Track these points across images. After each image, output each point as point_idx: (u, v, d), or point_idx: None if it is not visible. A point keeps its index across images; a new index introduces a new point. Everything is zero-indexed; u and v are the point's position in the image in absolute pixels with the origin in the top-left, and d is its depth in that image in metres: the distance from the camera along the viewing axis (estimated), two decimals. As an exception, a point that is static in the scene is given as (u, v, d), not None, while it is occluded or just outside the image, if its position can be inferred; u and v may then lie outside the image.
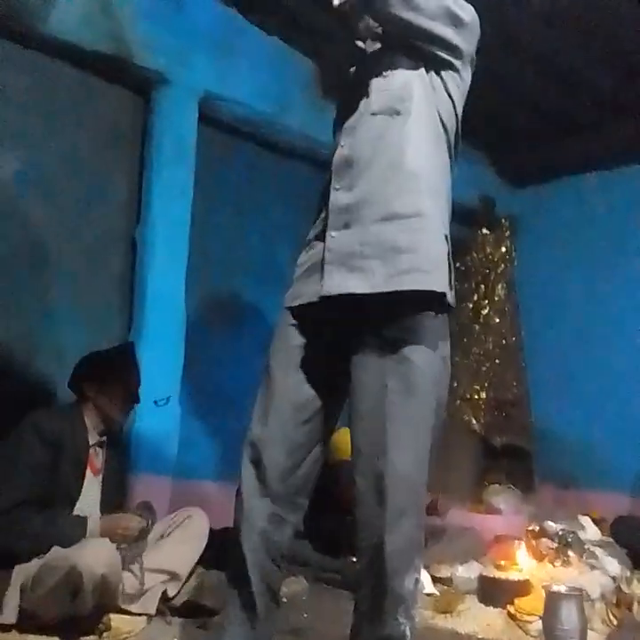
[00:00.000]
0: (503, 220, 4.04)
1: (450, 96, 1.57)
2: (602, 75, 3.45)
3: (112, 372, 2.18)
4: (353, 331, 1.48)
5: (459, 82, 1.58)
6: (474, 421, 3.64)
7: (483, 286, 3.89)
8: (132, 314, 2.87)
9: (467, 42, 1.56)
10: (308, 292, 1.52)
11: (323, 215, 1.57)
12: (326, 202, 1.57)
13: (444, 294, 1.46)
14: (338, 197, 1.53)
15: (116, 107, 2.95)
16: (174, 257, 2.90)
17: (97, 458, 2.15)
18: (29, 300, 2.63)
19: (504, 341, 3.83)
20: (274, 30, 3.24)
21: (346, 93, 1.64)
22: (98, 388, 2.14)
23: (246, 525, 1.49)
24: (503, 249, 3.98)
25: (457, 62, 1.56)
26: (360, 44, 1.70)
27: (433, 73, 1.55)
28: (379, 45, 1.66)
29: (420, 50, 1.54)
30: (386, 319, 1.45)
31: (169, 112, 2.94)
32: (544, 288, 4.23)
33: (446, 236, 1.52)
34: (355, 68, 1.68)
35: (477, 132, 3.92)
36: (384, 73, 1.55)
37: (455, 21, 1.52)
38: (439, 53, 1.54)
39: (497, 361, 3.78)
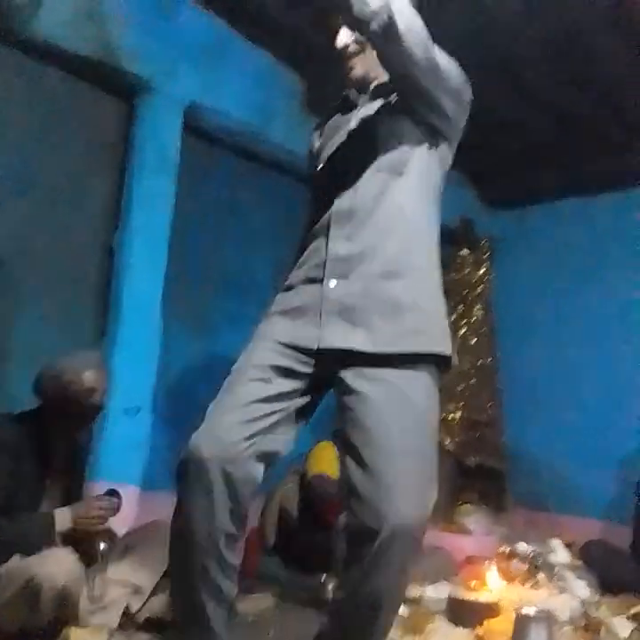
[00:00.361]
0: (483, 242, 4.08)
1: (443, 161, 1.65)
2: (583, 103, 3.51)
3: (75, 381, 2.10)
4: (343, 370, 1.49)
5: (450, 149, 1.67)
6: (448, 441, 3.64)
7: (461, 306, 3.91)
8: (107, 321, 2.83)
9: (462, 118, 1.65)
10: (301, 335, 1.50)
11: (315, 260, 1.56)
12: (316, 245, 1.57)
13: (449, 356, 1.51)
14: (337, 246, 1.53)
15: (101, 112, 2.92)
16: (152, 265, 2.87)
17: (59, 465, 2.10)
18: (2, 304, 2.59)
19: (480, 362, 3.85)
20: (261, 42, 3.25)
21: (346, 142, 1.65)
22: (59, 395, 2.08)
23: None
24: (482, 270, 4.02)
25: (451, 133, 1.64)
26: (352, 92, 1.71)
27: (431, 139, 1.61)
28: (367, 99, 1.68)
29: (421, 115, 1.58)
30: (389, 368, 1.45)
31: (153, 120, 2.93)
32: (520, 310, 4.26)
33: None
34: (358, 119, 1.67)
35: (459, 155, 3.96)
36: (390, 132, 1.59)
37: (459, 99, 1.60)
38: (439, 123, 1.60)
39: (472, 381, 3.79)
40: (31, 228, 2.68)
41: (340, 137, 1.66)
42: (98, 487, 2.54)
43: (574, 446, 3.93)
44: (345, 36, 1.62)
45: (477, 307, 3.93)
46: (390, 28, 1.39)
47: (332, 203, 1.58)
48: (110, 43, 2.72)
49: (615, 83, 3.30)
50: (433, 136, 1.61)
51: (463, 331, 3.87)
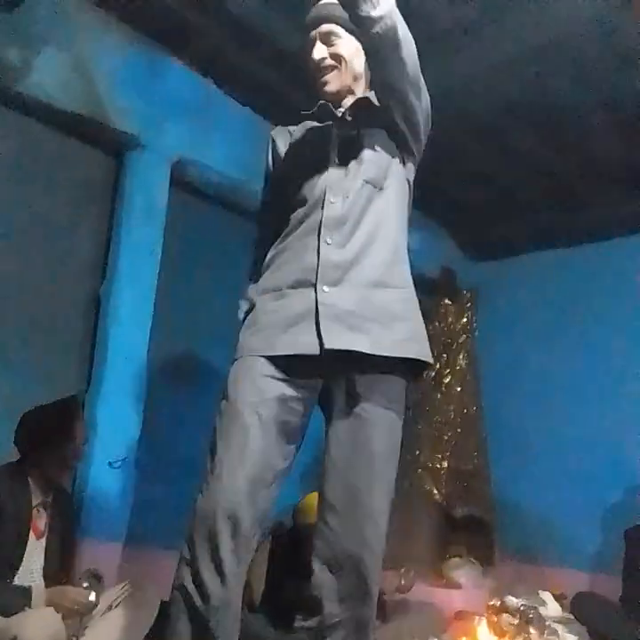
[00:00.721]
0: (465, 292, 4.14)
1: (410, 179, 1.72)
2: (560, 159, 3.64)
3: (50, 430, 2.07)
4: (332, 385, 1.54)
5: (414, 168, 1.74)
6: (435, 491, 3.61)
7: (445, 355, 3.94)
8: (92, 372, 2.81)
9: (425, 137, 1.73)
10: (301, 343, 1.49)
11: (301, 264, 1.56)
12: (300, 249, 1.58)
13: (429, 364, 1.59)
14: (330, 252, 1.55)
15: (89, 167, 2.97)
16: (139, 316, 2.88)
17: (40, 520, 2.04)
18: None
19: (465, 410, 3.85)
20: (245, 100, 3.35)
21: (333, 152, 1.67)
22: (36, 446, 2.05)
23: (223, 597, 1.38)
24: (464, 319, 4.06)
25: (417, 149, 1.72)
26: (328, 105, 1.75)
27: (402, 153, 1.69)
28: (346, 112, 1.72)
29: (396, 125, 1.66)
30: (380, 382, 1.52)
31: (141, 175, 2.98)
32: (504, 359, 4.29)
33: None
34: (343, 131, 1.70)
35: (440, 207, 4.07)
36: (371, 145, 1.65)
37: (427, 118, 1.70)
38: (409, 136, 1.68)
39: (458, 430, 3.79)
40: (17, 278, 2.68)
41: (327, 146, 1.68)
42: (80, 543, 2.49)
43: (562, 496, 3.91)
44: (321, 50, 1.68)
45: (461, 356, 3.96)
46: (391, 33, 1.48)
47: (315, 209, 1.60)
48: (99, 100, 2.79)
49: (589, 139, 3.42)
50: (403, 150, 1.68)
51: (447, 379, 3.89)
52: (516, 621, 2.70)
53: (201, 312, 3.33)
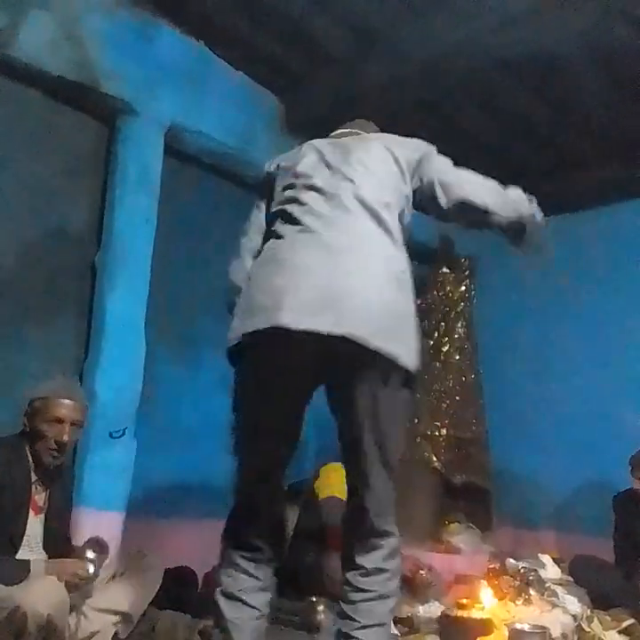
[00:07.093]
0: (463, 260, 4.11)
1: None
2: (560, 123, 3.59)
3: (42, 409, 1.99)
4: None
5: None
6: (434, 459, 3.62)
7: (443, 324, 3.91)
8: (89, 342, 2.79)
9: None
10: None
11: None
12: None
13: None
14: None
15: (81, 134, 2.91)
16: (135, 285, 2.85)
17: (39, 496, 2.01)
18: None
19: (463, 379, 3.84)
20: (241, 66, 3.28)
21: None
22: (30, 424, 2.00)
23: None
24: (463, 288, 4.03)
25: None
26: None
27: None
28: None
29: None
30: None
31: (134, 142, 2.92)
32: (502, 328, 4.28)
33: None
34: None
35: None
36: None
37: None
38: None
39: (457, 398, 3.78)
40: (11, 249, 2.64)
41: None
42: (82, 514, 2.49)
43: (559, 463, 3.94)
44: None
45: (459, 324, 3.94)
46: None
47: None
48: (90, 65, 2.72)
49: (589, 103, 3.37)
50: None
51: (446, 348, 3.87)
52: (517, 583, 2.72)
53: (197, 280, 3.29)
